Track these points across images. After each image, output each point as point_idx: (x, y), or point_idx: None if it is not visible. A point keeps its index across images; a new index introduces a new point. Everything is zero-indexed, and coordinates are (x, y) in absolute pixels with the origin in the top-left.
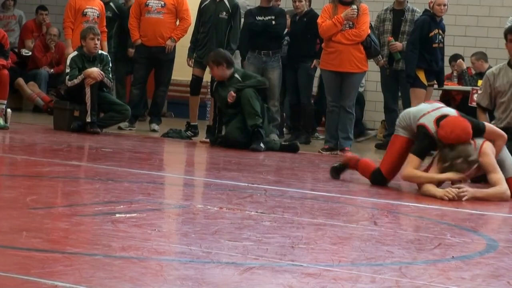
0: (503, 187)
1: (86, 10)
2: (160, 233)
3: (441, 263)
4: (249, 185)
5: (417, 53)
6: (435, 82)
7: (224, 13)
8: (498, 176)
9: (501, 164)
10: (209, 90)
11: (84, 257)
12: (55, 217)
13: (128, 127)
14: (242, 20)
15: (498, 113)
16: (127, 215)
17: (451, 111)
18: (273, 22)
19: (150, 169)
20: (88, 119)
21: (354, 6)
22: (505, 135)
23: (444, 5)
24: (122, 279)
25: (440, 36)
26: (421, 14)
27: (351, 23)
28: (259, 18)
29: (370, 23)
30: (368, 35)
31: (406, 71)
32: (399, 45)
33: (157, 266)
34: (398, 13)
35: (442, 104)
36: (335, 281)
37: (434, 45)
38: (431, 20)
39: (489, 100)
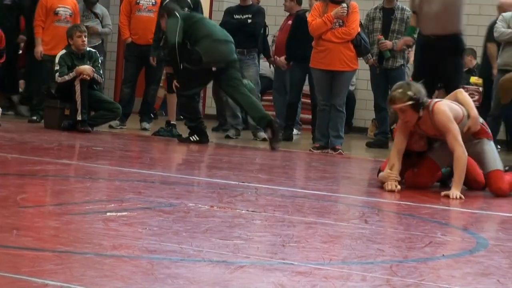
0: (457, 153)
1: (58, 9)
2: (151, 231)
3: (432, 261)
4: (240, 183)
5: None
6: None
7: (186, 8)
8: (449, 138)
9: (479, 157)
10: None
11: (75, 256)
12: (46, 216)
13: (119, 125)
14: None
15: None
16: (118, 213)
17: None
18: (249, 21)
19: (141, 167)
20: (79, 118)
21: (344, 5)
22: (477, 117)
23: None
24: (113, 278)
25: None
26: (410, 13)
27: (341, 21)
28: (236, 16)
29: (360, 21)
30: (358, 33)
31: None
32: (389, 43)
33: (148, 265)
34: (388, 12)
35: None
36: (326, 279)
37: None
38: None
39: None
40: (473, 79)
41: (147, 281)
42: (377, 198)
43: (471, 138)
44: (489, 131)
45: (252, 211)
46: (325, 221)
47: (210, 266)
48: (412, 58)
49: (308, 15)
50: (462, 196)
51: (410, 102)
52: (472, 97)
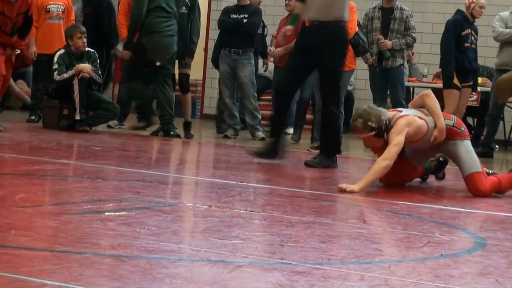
0: (381, 157)
1: (49, 6)
2: (149, 231)
3: (430, 261)
4: (238, 183)
5: (452, 54)
6: (471, 82)
7: (184, 7)
8: (387, 149)
9: (456, 160)
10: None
11: (73, 256)
12: (44, 216)
13: (117, 125)
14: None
15: None
16: (116, 213)
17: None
18: (245, 21)
19: (139, 167)
20: (77, 117)
21: None
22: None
23: (484, 7)
24: (111, 278)
25: (472, 37)
26: (409, 12)
27: None
28: (233, 15)
29: (358, 21)
30: (356, 33)
31: (444, 73)
32: (388, 43)
33: (146, 265)
34: (387, 11)
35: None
36: (324, 279)
37: (466, 45)
38: (464, 20)
39: None
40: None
41: (145, 280)
42: (376, 198)
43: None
44: (463, 129)
45: (251, 211)
46: (324, 220)
47: (208, 266)
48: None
49: None
50: (355, 190)
51: (372, 133)
52: (470, 97)
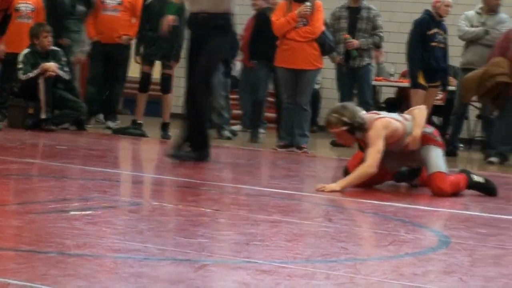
0: (365, 163)
1: (18, 5)
2: (115, 230)
3: (395, 260)
4: (204, 182)
5: (418, 53)
6: (440, 83)
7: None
8: (369, 151)
9: (424, 160)
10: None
11: (38, 255)
12: (8, 215)
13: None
14: None
15: None
16: (82, 212)
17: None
18: None
19: (105, 166)
20: (43, 116)
21: (308, 3)
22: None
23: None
24: (76, 277)
25: (440, 36)
26: (376, 11)
27: (305, 20)
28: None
29: (325, 20)
30: (323, 32)
31: (408, 72)
32: (355, 42)
33: (112, 264)
34: (353, 11)
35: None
36: (290, 277)
37: (433, 44)
38: (431, 19)
39: None
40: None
41: (110, 280)
42: (342, 197)
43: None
44: (439, 139)
45: (216, 210)
46: (290, 219)
47: (174, 265)
48: (382, 59)
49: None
50: (335, 189)
51: (344, 128)
52: (436, 96)
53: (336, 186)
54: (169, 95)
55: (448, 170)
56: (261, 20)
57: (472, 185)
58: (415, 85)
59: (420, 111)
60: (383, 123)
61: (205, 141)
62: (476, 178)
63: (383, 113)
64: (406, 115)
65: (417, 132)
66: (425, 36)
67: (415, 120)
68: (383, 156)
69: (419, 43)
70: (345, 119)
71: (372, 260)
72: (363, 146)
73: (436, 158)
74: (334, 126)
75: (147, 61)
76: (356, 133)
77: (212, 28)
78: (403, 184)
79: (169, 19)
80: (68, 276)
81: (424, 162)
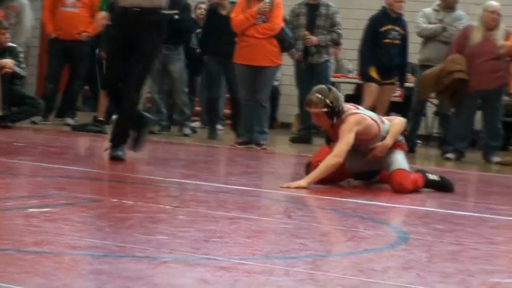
0: (331, 154)
1: None
2: (73, 227)
3: (354, 256)
4: (164, 179)
5: (368, 49)
6: (395, 80)
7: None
8: (338, 142)
9: (388, 161)
10: None
11: None
12: None
13: (42, 121)
14: None
15: None
16: (40, 209)
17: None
18: (176, 17)
19: (64, 163)
20: (0, 113)
21: (267, 0)
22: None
23: (404, 1)
24: (35, 274)
25: (395, 33)
26: (335, 9)
27: (264, 17)
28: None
29: (284, 17)
30: (282, 29)
31: (359, 67)
32: (314, 39)
33: (71, 261)
34: (312, 7)
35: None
36: (249, 274)
37: (386, 41)
38: (384, 16)
39: None
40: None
41: (69, 277)
42: (301, 193)
43: None
44: (405, 147)
45: (176, 207)
46: (249, 216)
47: (133, 262)
48: (340, 55)
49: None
50: (302, 185)
51: (325, 109)
52: (394, 93)
53: (302, 182)
54: None
55: (409, 168)
56: (210, 15)
57: (429, 183)
58: (367, 78)
59: (400, 122)
60: (357, 118)
61: (124, 139)
62: (431, 176)
63: (362, 109)
64: (384, 118)
65: (389, 141)
66: (378, 33)
67: (391, 128)
68: (347, 155)
69: (371, 40)
70: (328, 101)
71: (331, 256)
72: (331, 136)
73: (401, 159)
74: (315, 105)
75: None
76: (334, 118)
77: (146, 25)
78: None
79: (102, 16)
80: (26, 273)
81: (387, 161)
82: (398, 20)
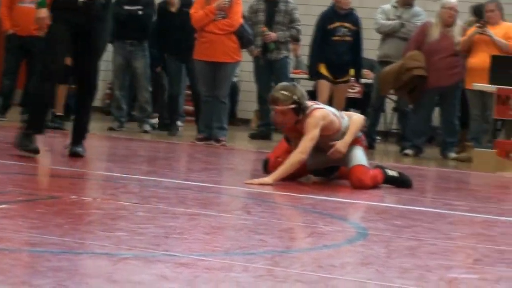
0: (296, 150)
1: None
2: (31, 224)
3: (313, 252)
4: (123, 175)
5: (316, 46)
6: (347, 78)
7: None
8: (303, 138)
9: (347, 157)
10: None
11: None
12: None
13: None
14: None
15: None
16: None
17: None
18: (140, 12)
19: (21, 160)
20: None
21: None
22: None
23: None
24: None
25: (345, 29)
26: (294, 5)
27: (223, 13)
28: (126, 7)
29: (243, 13)
30: (241, 25)
31: (307, 66)
32: (273, 35)
33: (28, 258)
34: (271, 4)
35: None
36: (208, 270)
37: (335, 38)
38: (333, 13)
39: None
40: (352, 71)
41: (27, 274)
42: (260, 189)
43: None
44: (364, 143)
45: (135, 203)
46: (208, 212)
47: (92, 259)
48: (299, 51)
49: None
50: (267, 182)
51: (293, 106)
52: (353, 89)
53: (268, 179)
54: None
55: (368, 164)
56: (160, 13)
57: (388, 179)
58: (317, 76)
59: (359, 120)
60: (322, 113)
61: (84, 136)
62: (390, 172)
63: (322, 105)
64: (343, 113)
65: (348, 139)
66: (326, 30)
67: (351, 125)
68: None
69: (320, 37)
70: (295, 97)
71: (291, 252)
72: (289, 136)
73: (360, 155)
74: (282, 103)
75: None
76: (300, 115)
77: (93, 16)
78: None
79: (42, 15)
80: None
81: (346, 157)
82: (347, 17)
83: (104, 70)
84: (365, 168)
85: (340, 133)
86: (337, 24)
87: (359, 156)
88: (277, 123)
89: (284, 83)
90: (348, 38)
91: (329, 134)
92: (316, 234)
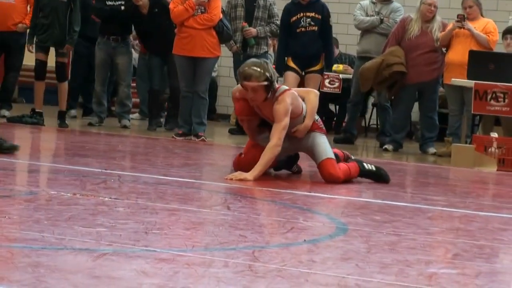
0: (271, 143)
1: None
2: (10, 220)
3: (294, 247)
4: (103, 171)
5: (281, 41)
6: (317, 67)
7: None
8: (275, 128)
9: (311, 150)
10: None
11: None
12: None
13: None
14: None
15: None
16: None
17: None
18: (122, 8)
19: None
20: None
21: None
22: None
23: None
24: None
25: (308, 19)
26: (272, 0)
27: (203, 8)
28: (109, 3)
29: (222, 8)
30: (221, 20)
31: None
32: (253, 30)
33: (8, 254)
34: None
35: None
36: (188, 266)
37: (299, 30)
38: (293, 5)
39: None
40: (334, 66)
41: (6, 270)
42: (240, 185)
43: None
44: (323, 127)
45: (115, 199)
46: (188, 208)
47: (72, 254)
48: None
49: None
50: (248, 179)
51: (265, 83)
52: (332, 84)
53: (248, 176)
54: (64, 83)
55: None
56: (134, 14)
57: (364, 173)
58: (285, 68)
59: (314, 98)
60: (291, 96)
61: None
62: (368, 166)
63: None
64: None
65: (309, 122)
66: (289, 23)
67: (308, 106)
68: (266, 141)
69: (284, 31)
70: (268, 74)
71: (271, 247)
72: (261, 116)
73: (324, 145)
74: (256, 79)
75: (40, 48)
76: (269, 93)
77: None
78: (283, 171)
79: None
80: None
81: (311, 149)
82: (311, 6)
83: None
84: (334, 161)
85: (302, 117)
86: (300, 15)
87: (326, 147)
88: (239, 109)
89: (254, 59)
90: (313, 28)
91: (293, 118)
92: (296, 229)
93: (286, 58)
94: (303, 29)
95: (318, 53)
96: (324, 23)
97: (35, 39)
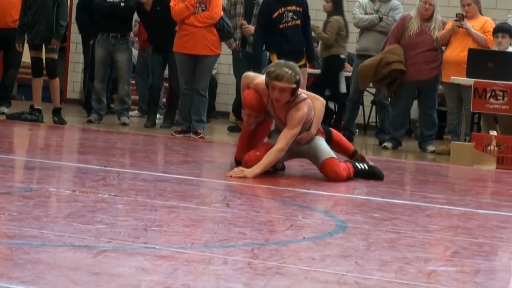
0: (277, 146)
1: None
2: (10, 216)
3: (293, 244)
4: (102, 168)
5: (262, 37)
6: (304, 61)
7: None
8: (284, 133)
9: (313, 151)
10: None
11: None
12: None
13: None
14: None
15: None
16: None
17: None
18: (122, 5)
19: None
20: None
21: None
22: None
23: None
24: None
25: (290, 13)
26: None
27: (203, 5)
28: (109, 0)
29: (222, 6)
30: (221, 18)
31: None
32: (252, 28)
33: (7, 250)
34: None
35: None
36: (187, 263)
37: (282, 26)
38: (273, 1)
39: None
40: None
41: (5, 266)
42: (239, 182)
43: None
44: (323, 131)
45: (115, 196)
46: (187, 205)
47: (72, 251)
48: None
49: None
50: (248, 176)
51: (294, 86)
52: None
53: (249, 174)
54: (55, 79)
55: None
56: (138, 11)
57: (358, 172)
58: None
59: (321, 108)
60: (308, 106)
61: None
62: (360, 166)
63: (304, 91)
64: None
65: (314, 131)
66: (271, 20)
67: (315, 117)
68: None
69: (264, 28)
70: (298, 77)
71: (270, 245)
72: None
73: (324, 145)
74: (287, 80)
75: (31, 45)
76: (293, 97)
77: None
78: (297, 168)
79: None
80: None
81: (312, 152)
82: (291, 1)
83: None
84: (337, 160)
85: (308, 124)
86: (281, 10)
87: (326, 148)
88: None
89: (288, 62)
90: (296, 22)
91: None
92: (296, 226)
93: (269, 54)
94: (286, 24)
95: (302, 47)
96: (305, 15)
97: (26, 37)
